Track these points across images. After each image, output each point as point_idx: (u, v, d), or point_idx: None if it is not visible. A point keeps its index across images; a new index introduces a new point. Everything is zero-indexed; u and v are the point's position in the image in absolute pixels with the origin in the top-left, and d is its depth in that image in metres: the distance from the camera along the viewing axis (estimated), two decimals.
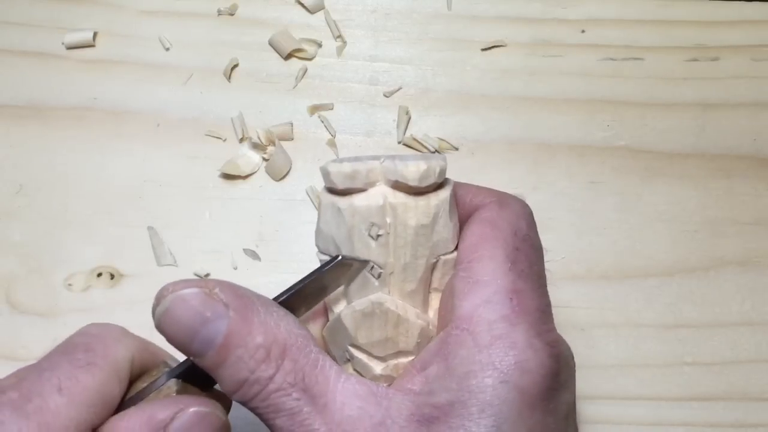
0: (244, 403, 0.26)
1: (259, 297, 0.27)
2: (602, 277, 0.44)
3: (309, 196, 0.45)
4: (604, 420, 0.42)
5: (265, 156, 0.45)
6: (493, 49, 0.47)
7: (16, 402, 0.25)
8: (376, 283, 0.28)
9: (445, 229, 0.28)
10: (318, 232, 0.29)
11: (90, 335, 0.28)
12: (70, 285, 0.43)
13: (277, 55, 0.47)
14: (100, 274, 0.43)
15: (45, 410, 0.25)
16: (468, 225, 0.30)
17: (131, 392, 0.28)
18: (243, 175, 0.45)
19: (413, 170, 0.27)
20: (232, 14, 0.48)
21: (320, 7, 0.48)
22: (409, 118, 0.46)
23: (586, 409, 0.42)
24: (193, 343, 0.26)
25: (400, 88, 0.47)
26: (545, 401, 0.26)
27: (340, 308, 0.29)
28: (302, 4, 0.48)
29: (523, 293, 0.27)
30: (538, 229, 0.30)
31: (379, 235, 0.27)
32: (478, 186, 0.31)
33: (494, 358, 0.26)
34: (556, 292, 0.30)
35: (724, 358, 0.43)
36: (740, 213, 0.45)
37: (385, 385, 0.28)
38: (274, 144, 0.45)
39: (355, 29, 0.48)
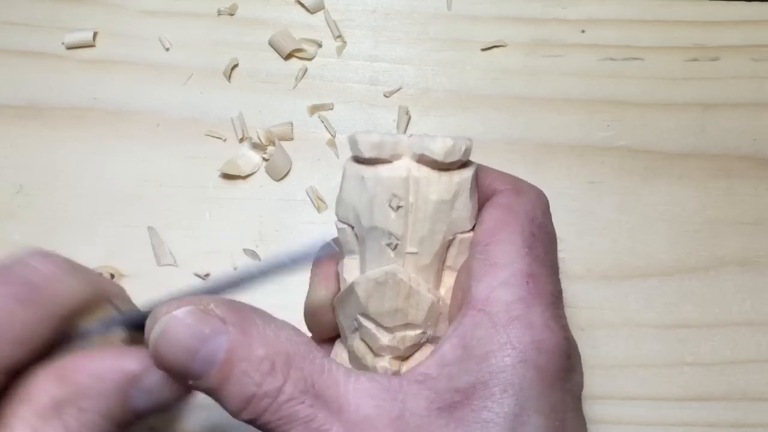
0: (253, 421, 0.25)
1: (255, 309, 0.27)
2: (602, 277, 0.44)
3: (309, 196, 0.45)
4: (604, 420, 0.42)
5: (265, 156, 0.45)
6: (493, 49, 0.47)
7: None
8: (392, 254, 0.28)
9: (465, 208, 0.29)
10: (339, 201, 0.30)
11: (35, 270, 0.27)
12: None
13: (277, 55, 0.47)
14: (99, 274, 0.43)
15: None
16: (485, 209, 0.30)
17: (72, 328, 0.27)
18: (243, 175, 0.45)
19: (440, 145, 0.27)
20: (232, 14, 0.48)
21: (320, 7, 0.48)
22: (409, 118, 0.46)
23: (586, 409, 0.42)
24: (194, 363, 0.25)
25: (400, 88, 0.47)
26: (562, 380, 0.27)
27: (353, 277, 0.29)
28: (302, 4, 0.48)
29: (538, 277, 0.27)
30: None
31: (399, 207, 0.28)
32: (498, 171, 0.32)
33: (512, 338, 0.26)
34: None
35: (724, 358, 0.43)
36: (740, 213, 0.45)
37: (398, 369, 0.28)
38: (274, 144, 0.45)
39: (355, 29, 0.48)
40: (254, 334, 0.25)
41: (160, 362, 0.25)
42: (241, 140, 0.45)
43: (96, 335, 0.27)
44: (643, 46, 0.48)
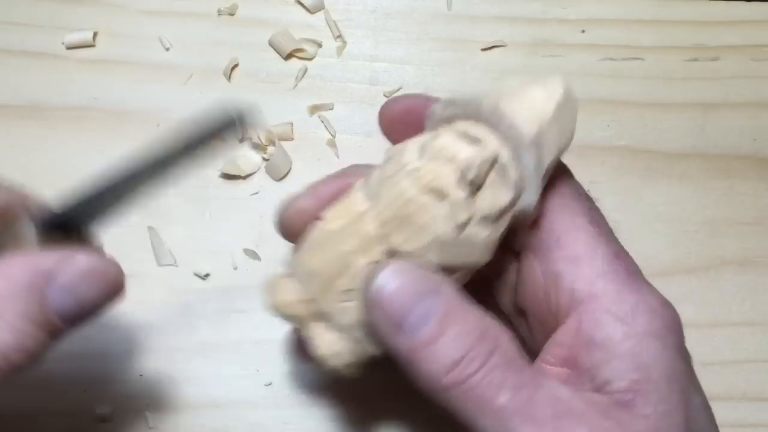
0: (453, 387, 0.25)
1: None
2: None
3: None
4: None
5: (265, 156, 0.45)
6: (493, 49, 0.47)
7: None
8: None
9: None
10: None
11: None
12: None
13: (277, 55, 0.47)
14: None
15: None
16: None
17: None
18: (243, 175, 0.45)
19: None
20: (232, 14, 0.48)
21: (320, 7, 0.48)
22: None
23: None
24: (410, 316, 0.25)
25: (400, 88, 0.47)
26: (686, 351, 0.27)
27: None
28: (302, 4, 0.48)
29: (622, 252, 0.28)
30: None
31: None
32: None
33: (646, 328, 0.26)
34: None
35: (724, 358, 0.43)
36: (740, 213, 0.45)
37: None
38: (274, 144, 0.45)
39: (355, 29, 0.48)
40: (466, 305, 0.26)
41: (375, 312, 0.26)
42: (241, 140, 0.45)
43: (9, 243, 0.26)
44: (643, 46, 0.48)
